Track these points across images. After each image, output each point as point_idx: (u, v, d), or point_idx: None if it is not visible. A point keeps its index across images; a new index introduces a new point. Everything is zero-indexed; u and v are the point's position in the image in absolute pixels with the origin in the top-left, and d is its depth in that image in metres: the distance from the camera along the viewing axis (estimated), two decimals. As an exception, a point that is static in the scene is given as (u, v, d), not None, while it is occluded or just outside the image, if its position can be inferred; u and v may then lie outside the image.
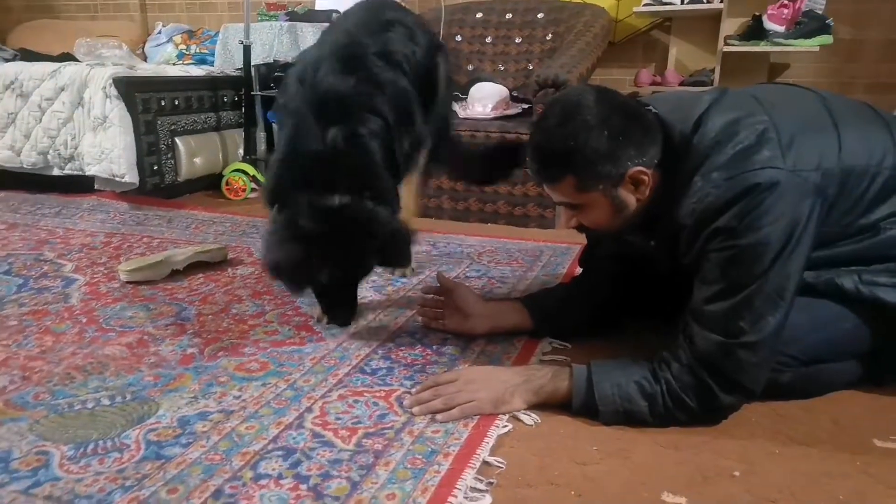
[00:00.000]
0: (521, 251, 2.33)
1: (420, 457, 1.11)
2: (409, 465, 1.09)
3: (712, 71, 3.16)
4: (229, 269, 2.11)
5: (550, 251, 2.32)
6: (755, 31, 3.04)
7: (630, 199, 1.23)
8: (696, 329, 1.18)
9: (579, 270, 1.73)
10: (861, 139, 1.22)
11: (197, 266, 2.09)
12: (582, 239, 1.67)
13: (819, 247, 1.19)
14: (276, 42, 3.41)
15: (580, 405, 1.23)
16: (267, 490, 1.03)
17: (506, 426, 1.21)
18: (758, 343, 1.14)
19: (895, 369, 1.32)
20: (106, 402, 1.29)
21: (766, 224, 1.11)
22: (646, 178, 1.20)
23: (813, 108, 1.27)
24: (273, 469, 1.08)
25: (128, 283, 1.96)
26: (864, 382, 1.33)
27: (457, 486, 1.03)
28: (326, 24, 3.37)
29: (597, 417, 1.21)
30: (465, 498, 1.01)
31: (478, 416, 1.23)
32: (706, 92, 1.31)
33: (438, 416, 1.23)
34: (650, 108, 1.25)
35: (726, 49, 3.06)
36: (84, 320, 1.70)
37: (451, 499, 1.00)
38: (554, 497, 1.03)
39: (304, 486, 1.03)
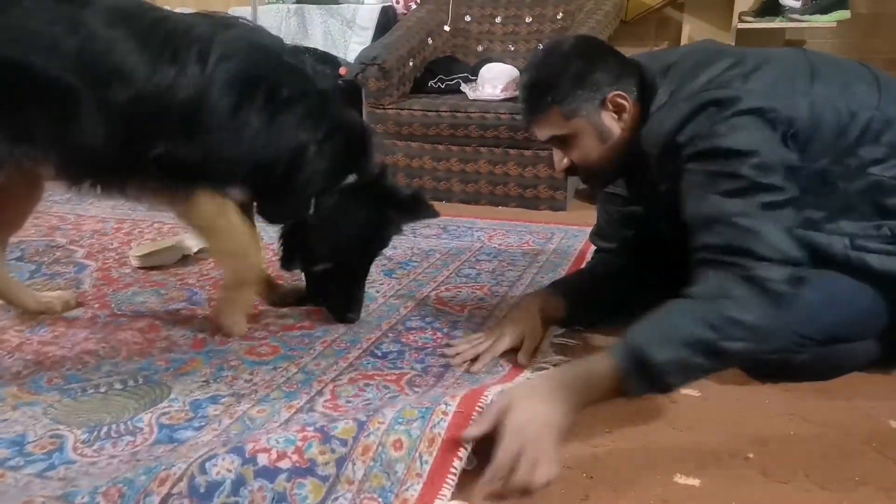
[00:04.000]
0: (532, 233, 2.31)
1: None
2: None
3: (726, 48, 3.10)
4: (240, 254, 2.11)
5: (562, 233, 2.30)
6: (770, 6, 2.97)
7: (614, 126, 1.30)
8: (699, 234, 1.14)
9: (592, 249, 1.72)
10: (839, 86, 1.24)
11: (208, 251, 2.10)
12: (592, 220, 1.66)
13: (809, 188, 1.18)
14: (284, 25, 3.39)
15: (632, 385, 1.04)
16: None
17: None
18: (753, 213, 1.09)
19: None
20: (118, 386, 1.30)
21: (726, 131, 1.14)
22: (625, 103, 1.28)
23: (791, 57, 1.31)
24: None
25: (139, 268, 1.97)
26: (880, 363, 1.31)
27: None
28: (334, 6, 3.35)
29: (665, 387, 1.06)
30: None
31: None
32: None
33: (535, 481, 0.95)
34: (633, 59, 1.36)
35: (741, 26, 3.00)
36: (96, 305, 1.71)
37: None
38: (566, 479, 1.02)
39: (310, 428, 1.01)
